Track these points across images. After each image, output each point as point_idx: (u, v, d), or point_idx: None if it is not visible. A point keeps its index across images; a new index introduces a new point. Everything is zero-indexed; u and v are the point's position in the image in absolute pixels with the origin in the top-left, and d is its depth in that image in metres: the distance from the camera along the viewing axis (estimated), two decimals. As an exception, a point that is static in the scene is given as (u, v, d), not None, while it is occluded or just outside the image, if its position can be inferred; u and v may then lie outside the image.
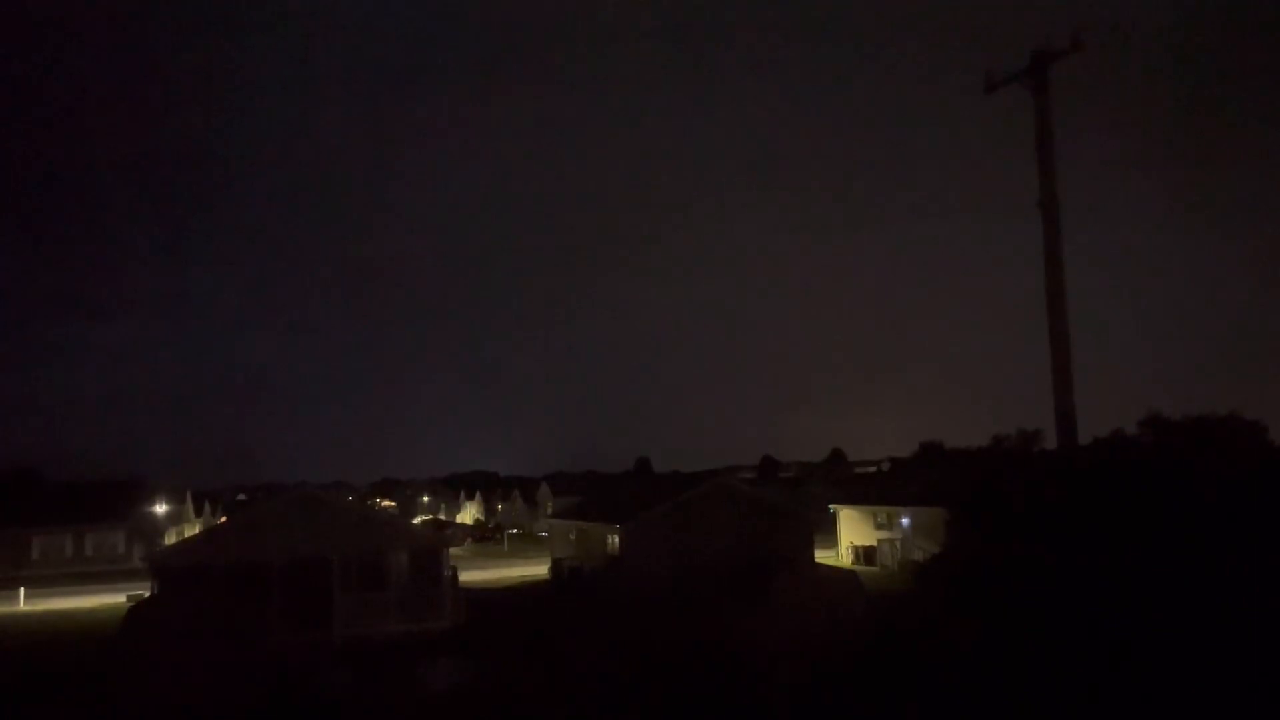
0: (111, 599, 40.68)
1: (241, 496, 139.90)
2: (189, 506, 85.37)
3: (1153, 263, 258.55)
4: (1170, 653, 16.00)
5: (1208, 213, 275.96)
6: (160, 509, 69.40)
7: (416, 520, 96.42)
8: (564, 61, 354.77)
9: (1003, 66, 28.43)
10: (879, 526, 47.19)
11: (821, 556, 41.61)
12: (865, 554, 46.17)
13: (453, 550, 40.97)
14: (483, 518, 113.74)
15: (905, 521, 44.77)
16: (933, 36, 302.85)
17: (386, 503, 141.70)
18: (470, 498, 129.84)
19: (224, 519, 76.17)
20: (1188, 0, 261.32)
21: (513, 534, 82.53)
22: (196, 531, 64.56)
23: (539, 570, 47.24)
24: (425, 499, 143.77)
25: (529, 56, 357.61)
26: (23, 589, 44.19)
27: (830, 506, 52.36)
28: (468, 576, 42.11)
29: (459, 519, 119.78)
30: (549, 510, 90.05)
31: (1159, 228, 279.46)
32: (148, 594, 29.34)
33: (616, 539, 36.99)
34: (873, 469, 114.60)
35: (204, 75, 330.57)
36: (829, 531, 49.98)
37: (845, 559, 47.77)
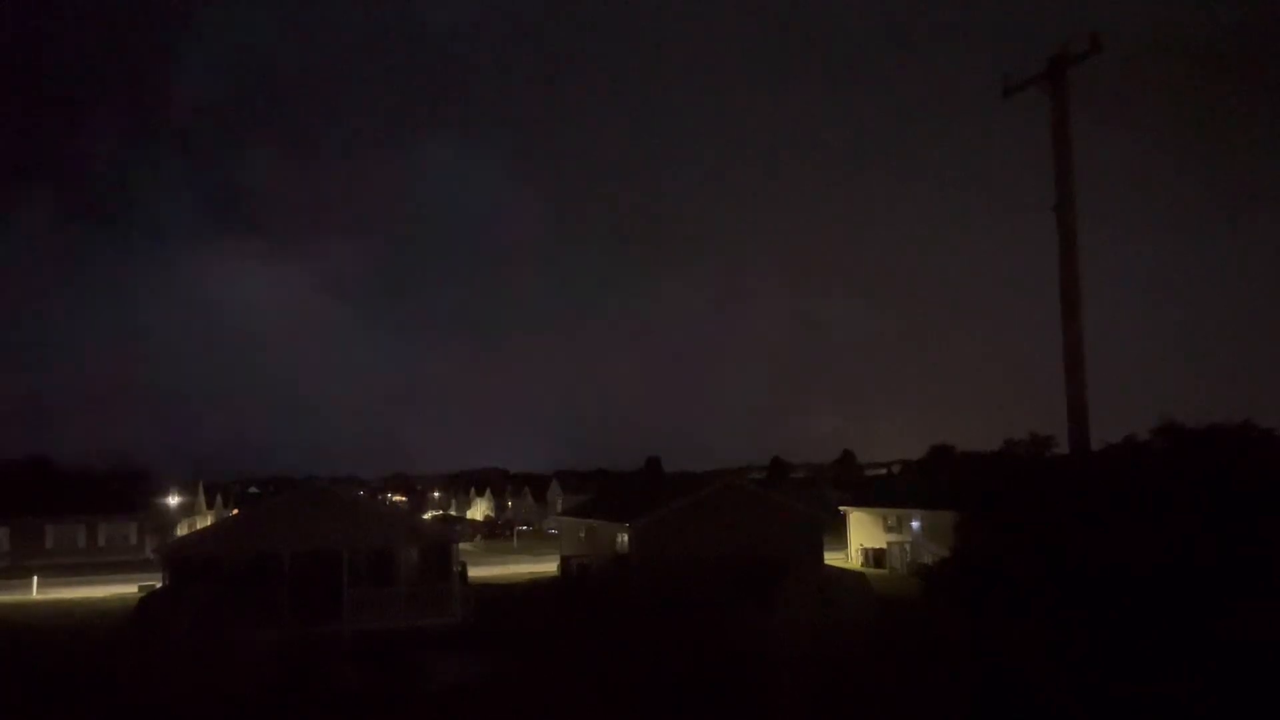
0: (123, 589, 40.98)
1: (253, 489, 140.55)
2: (201, 498, 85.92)
3: (1167, 267, 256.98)
4: (1182, 664, 15.89)
5: (1222, 217, 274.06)
6: (172, 500, 69.95)
7: (427, 516, 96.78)
8: (575, 54, 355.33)
9: (1020, 69, 28.29)
10: (889, 529, 47.08)
11: (831, 558, 41.50)
12: (875, 556, 46.05)
13: (463, 546, 41.25)
14: (493, 514, 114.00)
15: (915, 525, 44.65)
16: (950, 38, 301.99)
17: (398, 498, 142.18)
18: (481, 494, 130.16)
19: (235, 511, 76.75)
20: (1207, 3, 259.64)
21: (522, 531, 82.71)
22: (208, 523, 64.99)
23: (548, 568, 47.30)
24: (436, 495, 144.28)
25: (540, 49, 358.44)
26: (35, 578, 44.58)
27: (840, 508, 52.29)
28: (477, 572, 42.21)
29: (469, 515, 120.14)
30: (559, 508, 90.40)
31: (1174, 232, 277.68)
32: (159, 585, 29.54)
33: (625, 537, 37.01)
34: (883, 471, 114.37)
35: (214, 70, 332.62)
36: (839, 533, 49.93)
37: (855, 561, 47.67)
